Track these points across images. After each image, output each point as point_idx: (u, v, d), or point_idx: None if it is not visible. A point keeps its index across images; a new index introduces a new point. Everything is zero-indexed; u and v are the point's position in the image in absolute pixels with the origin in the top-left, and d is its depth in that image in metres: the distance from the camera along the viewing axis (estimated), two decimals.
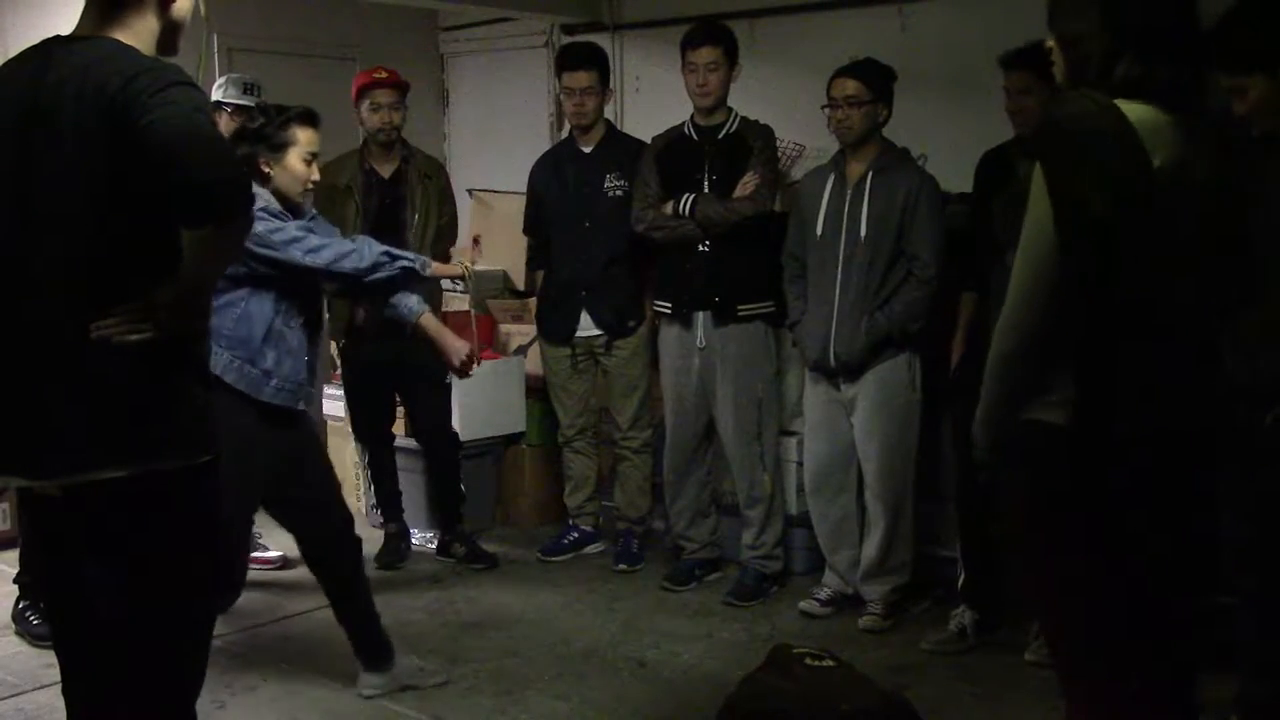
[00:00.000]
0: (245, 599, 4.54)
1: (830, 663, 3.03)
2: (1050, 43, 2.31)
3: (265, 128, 3.45)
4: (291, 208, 3.51)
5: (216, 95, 4.67)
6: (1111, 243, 2.10)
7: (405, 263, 3.60)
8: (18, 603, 4.20)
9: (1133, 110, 2.11)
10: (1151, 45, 2.16)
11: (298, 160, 3.45)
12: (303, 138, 3.45)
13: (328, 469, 3.74)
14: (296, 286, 3.47)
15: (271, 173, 3.44)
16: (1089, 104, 2.11)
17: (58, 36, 2.26)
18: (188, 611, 2.33)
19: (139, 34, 2.25)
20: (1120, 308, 2.14)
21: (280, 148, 3.43)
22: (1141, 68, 2.15)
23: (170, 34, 2.32)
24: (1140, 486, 2.18)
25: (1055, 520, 2.23)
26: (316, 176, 3.53)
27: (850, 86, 4.11)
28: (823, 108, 4.19)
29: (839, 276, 4.14)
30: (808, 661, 3.01)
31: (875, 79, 4.13)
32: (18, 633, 4.16)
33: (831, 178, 4.22)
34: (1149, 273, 2.14)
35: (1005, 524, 2.41)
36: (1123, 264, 2.11)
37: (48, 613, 2.46)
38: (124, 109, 2.09)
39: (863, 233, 4.10)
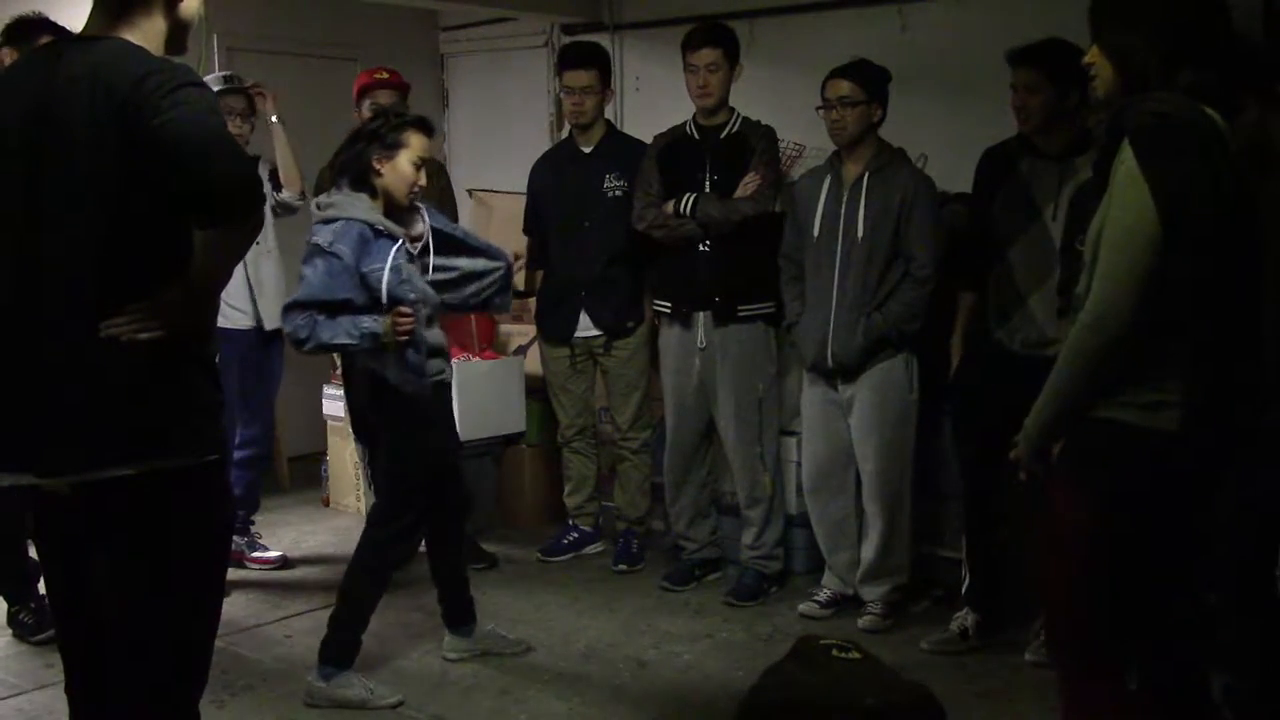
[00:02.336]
0: (245, 599, 4.55)
1: (857, 655, 3.02)
2: (1091, 57, 2.34)
3: (381, 128, 3.62)
4: (397, 210, 3.65)
5: None
6: (1216, 239, 2.13)
7: (350, 347, 3.56)
8: (10, 608, 4.21)
9: (1210, 114, 2.16)
10: (1207, 54, 2.21)
11: (407, 162, 3.61)
12: (415, 142, 3.62)
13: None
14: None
15: (382, 170, 3.60)
16: (1186, 106, 2.15)
17: (67, 36, 2.26)
18: (193, 609, 2.33)
19: (147, 34, 2.26)
20: (1223, 303, 2.17)
21: (393, 147, 3.60)
22: (1203, 75, 2.19)
23: (178, 34, 2.33)
24: (1222, 486, 2.22)
25: (1135, 520, 2.24)
26: (424, 181, 3.68)
27: (843, 87, 4.10)
28: (817, 109, 4.18)
29: (836, 277, 4.13)
30: (834, 653, 3.00)
31: (869, 79, 4.11)
32: (16, 634, 4.16)
33: (828, 179, 4.21)
34: (1240, 268, 2.18)
35: (1047, 520, 2.41)
36: (1225, 259, 2.15)
37: (52, 611, 2.46)
38: (135, 109, 2.09)
39: (859, 233, 4.10)
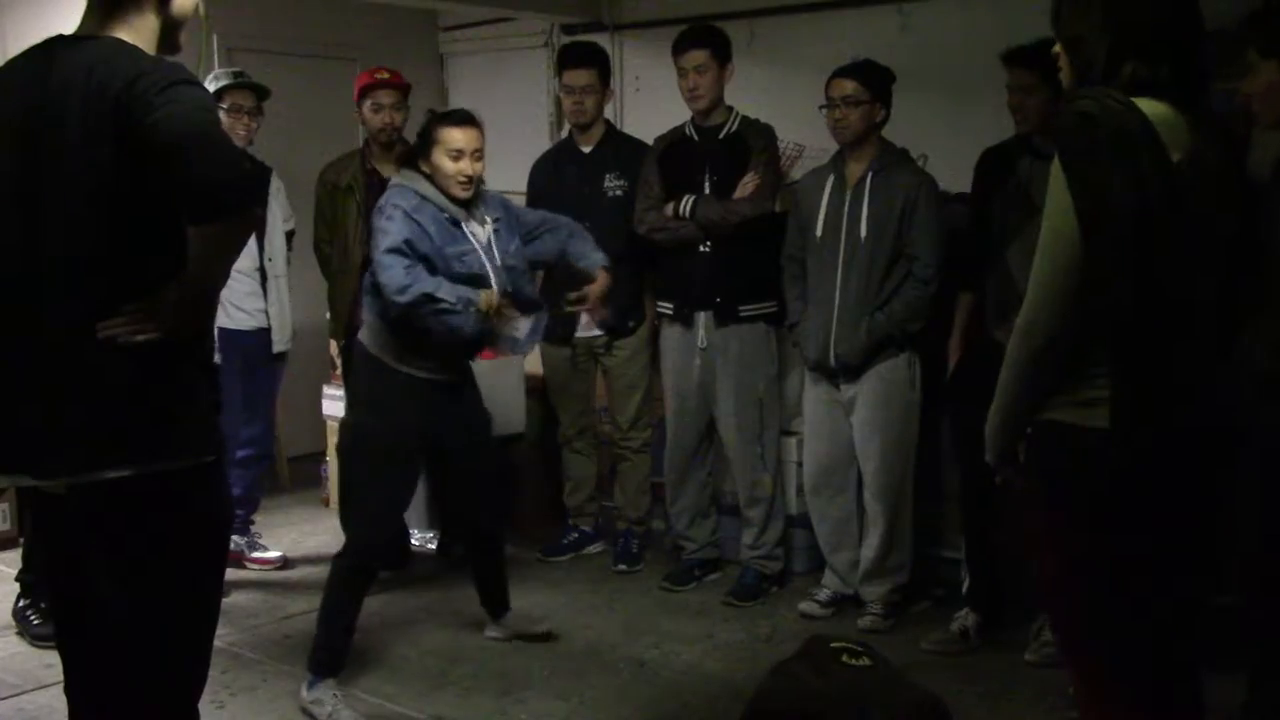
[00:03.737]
0: (245, 599, 4.55)
1: (867, 661, 3.00)
2: (1057, 47, 2.33)
3: (424, 129, 3.75)
4: (461, 203, 3.71)
5: (211, 89, 4.64)
6: (1137, 239, 2.11)
7: (445, 306, 3.53)
8: (18, 601, 4.20)
9: (1149, 107, 2.13)
10: (1155, 46, 2.18)
11: (443, 157, 3.68)
12: (445, 136, 3.68)
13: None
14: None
15: (426, 170, 3.71)
16: (1110, 101, 2.12)
17: (60, 36, 2.26)
18: (192, 610, 2.33)
19: (140, 32, 2.26)
20: (1148, 305, 2.14)
21: (427, 147, 3.71)
22: (1147, 68, 2.17)
23: (171, 32, 2.33)
24: (1170, 486, 2.19)
25: (1077, 521, 2.23)
26: (470, 171, 3.70)
27: (848, 87, 4.11)
28: (820, 108, 4.19)
29: (839, 277, 4.14)
30: (844, 659, 2.98)
31: (873, 79, 4.12)
32: (18, 633, 4.16)
33: (831, 179, 4.22)
34: (1173, 269, 2.15)
35: (1023, 525, 2.40)
36: (1148, 260, 2.12)
37: (52, 611, 2.46)
38: (129, 108, 2.09)
39: (862, 233, 4.10)
